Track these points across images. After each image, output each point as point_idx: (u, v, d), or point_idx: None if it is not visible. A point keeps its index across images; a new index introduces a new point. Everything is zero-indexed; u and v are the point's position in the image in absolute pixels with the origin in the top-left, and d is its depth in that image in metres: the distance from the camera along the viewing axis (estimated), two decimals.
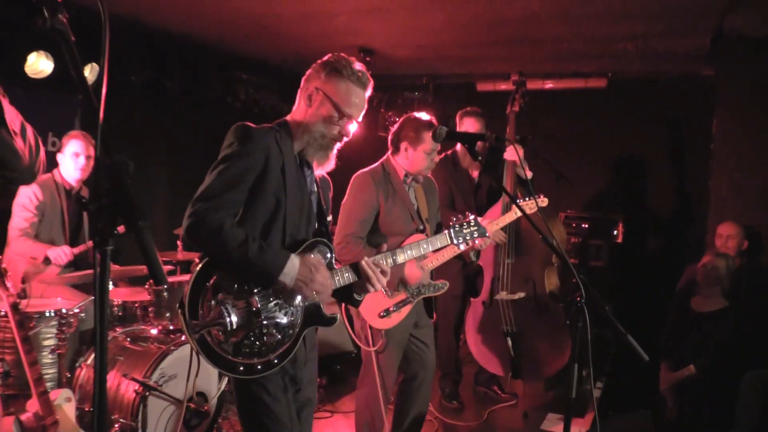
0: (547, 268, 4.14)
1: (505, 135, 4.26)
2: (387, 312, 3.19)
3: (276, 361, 2.09)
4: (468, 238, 2.82)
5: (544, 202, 3.63)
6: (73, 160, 3.90)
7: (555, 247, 2.25)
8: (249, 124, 2.14)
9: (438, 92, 6.34)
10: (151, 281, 3.68)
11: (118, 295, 3.88)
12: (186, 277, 3.96)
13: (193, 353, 2.05)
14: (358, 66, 2.22)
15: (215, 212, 1.98)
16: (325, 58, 2.24)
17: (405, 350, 3.34)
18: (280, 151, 2.14)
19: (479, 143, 4.20)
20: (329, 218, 2.41)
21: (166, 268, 4.15)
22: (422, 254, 2.69)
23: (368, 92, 2.24)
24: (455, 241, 2.80)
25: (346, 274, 2.24)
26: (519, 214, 3.52)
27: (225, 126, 2.20)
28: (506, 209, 3.94)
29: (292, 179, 2.16)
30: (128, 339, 3.52)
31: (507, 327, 4.14)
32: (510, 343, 4.14)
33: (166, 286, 3.70)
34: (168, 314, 3.73)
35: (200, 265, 2.02)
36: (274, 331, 2.08)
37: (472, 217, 2.87)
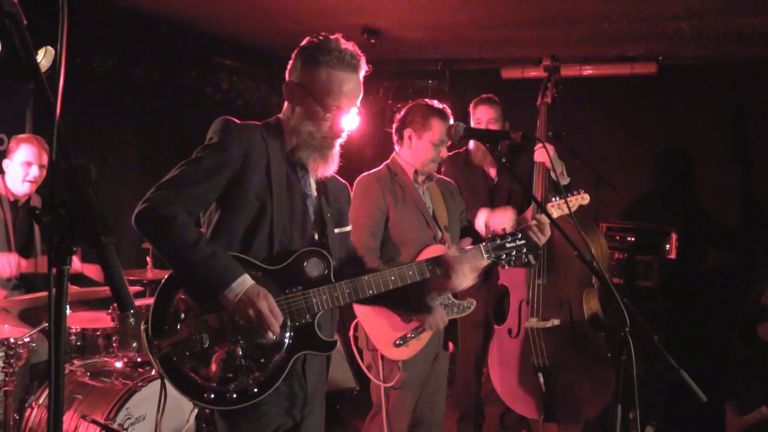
0: (586, 290, 4.12)
1: (536, 130, 4.26)
2: (404, 339, 3.18)
3: (255, 390, 2.09)
4: (514, 255, 2.53)
5: (584, 198, 3.58)
6: (23, 169, 3.90)
7: (592, 265, 2.25)
8: (231, 118, 2.20)
9: (456, 80, 6.35)
10: (115, 305, 3.70)
11: (76, 321, 3.91)
12: None
13: (162, 381, 2.08)
14: (342, 45, 2.21)
15: (171, 204, 2.02)
16: (303, 43, 2.27)
17: None
18: (266, 149, 2.18)
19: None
20: (348, 228, 2.43)
21: (134, 289, 4.17)
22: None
23: (360, 73, 2.25)
24: (493, 258, 2.51)
25: (411, 271, 2.28)
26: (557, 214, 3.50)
27: (204, 121, 2.26)
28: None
29: (280, 181, 2.20)
30: (88, 374, 3.53)
31: (538, 360, 4.13)
32: (542, 379, 4.12)
33: (132, 311, 3.72)
34: (135, 344, 3.75)
35: (167, 276, 2.07)
36: (255, 353, 2.09)
37: (520, 228, 2.64)
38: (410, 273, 2.33)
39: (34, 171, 3.91)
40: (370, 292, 2.27)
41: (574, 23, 4.79)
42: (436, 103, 3.35)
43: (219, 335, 2.07)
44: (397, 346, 3.19)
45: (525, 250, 2.55)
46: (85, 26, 4.68)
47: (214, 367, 2.05)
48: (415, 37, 5.49)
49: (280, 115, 2.33)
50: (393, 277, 2.31)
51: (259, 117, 2.35)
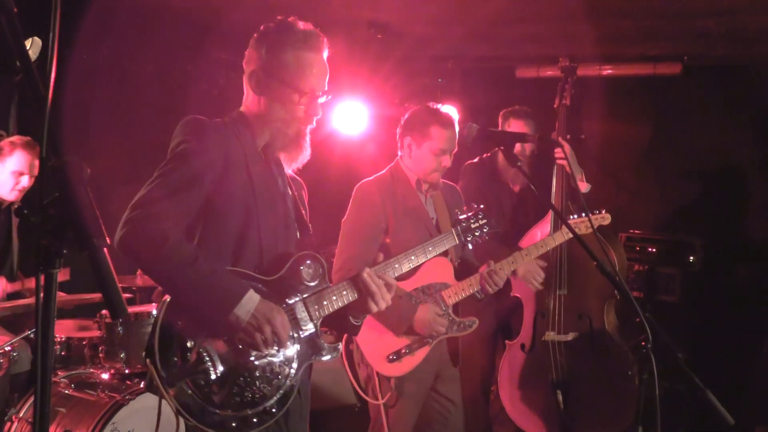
0: (608, 302, 4.12)
1: (553, 133, 4.26)
2: (397, 355, 3.19)
3: (274, 409, 2.10)
4: (477, 234, 2.98)
5: (605, 219, 3.63)
6: (13, 178, 3.92)
7: (612, 277, 2.25)
8: (200, 117, 2.17)
9: (467, 79, 6.35)
10: (102, 312, 3.70)
11: (60, 329, 3.92)
12: (147, 307, 3.99)
13: (163, 410, 2.05)
14: (302, 26, 2.24)
15: (158, 221, 1.97)
16: (261, 29, 2.27)
17: (425, 408, 3.33)
18: (241, 147, 2.17)
19: (518, 145, 4.26)
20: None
21: (123, 296, 4.17)
22: (427, 258, 2.82)
23: (325, 53, 2.26)
24: (463, 239, 2.95)
25: (345, 292, 2.26)
26: (569, 234, 3.51)
27: None
28: (556, 227, 3.93)
29: (261, 180, 2.19)
30: (72, 385, 3.53)
31: (557, 376, 4.11)
32: (561, 396, 4.10)
33: (121, 320, 3.72)
34: (123, 354, 3.74)
35: (167, 302, 2.03)
36: (268, 371, 2.10)
37: (480, 206, 3.03)
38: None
39: (25, 181, 3.94)
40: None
41: (595, 20, 4.79)
42: (439, 108, 3.29)
43: (231, 358, 2.05)
44: (391, 361, 3.19)
45: (486, 229, 2.98)
46: (72, 15, 4.68)
47: (231, 393, 2.03)
48: (423, 33, 5.49)
49: (243, 109, 2.30)
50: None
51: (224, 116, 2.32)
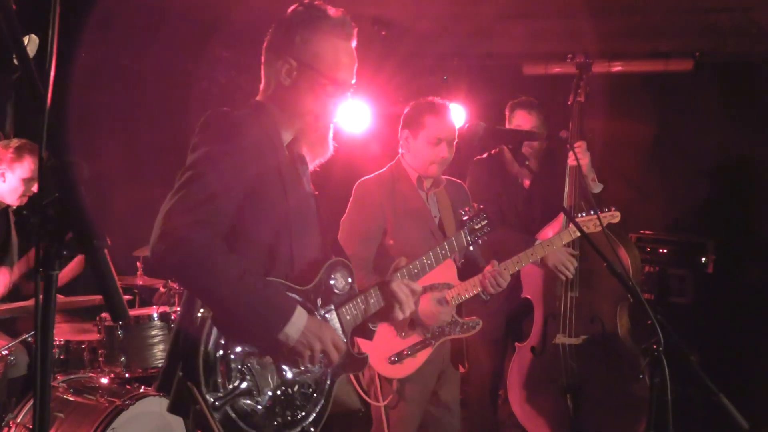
0: (620, 305, 4.10)
1: (568, 131, 4.24)
2: (399, 356, 3.19)
3: (312, 428, 2.07)
4: (479, 235, 2.99)
5: (615, 217, 3.62)
6: (22, 185, 3.90)
7: (623, 278, 2.24)
8: (227, 110, 2.04)
9: (473, 77, 6.35)
10: (102, 315, 3.70)
11: (58, 333, 3.92)
12: (148, 310, 3.99)
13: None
14: (335, 12, 2.14)
15: (200, 230, 1.84)
16: (290, 13, 2.15)
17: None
18: (270, 144, 2.07)
19: (527, 143, 4.26)
20: None
21: (124, 298, 4.16)
22: (441, 262, 2.83)
23: (354, 42, 2.17)
24: (470, 239, 2.97)
25: (372, 301, 2.24)
26: (576, 233, 3.51)
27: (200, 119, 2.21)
28: (567, 225, 3.93)
29: (291, 181, 2.10)
30: (71, 390, 3.53)
31: (567, 380, 4.10)
32: (570, 400, 4.10)
33: (121, 323, 3.72)
34: (123, 359, 3.74)
35: (208, 323, 1.91)
36: (307, 387, 2.07)
37: (480, 206, 3.06)
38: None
39: (35, 188, 3.93)
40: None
41: (604, 16, 4.79)
42: (434, 99, 3.32)
43: (274, 378, 2.01)
44: (392, 363, 3.19)
45: (487, 230, 3.00)
46: (68, 11, 4.67)
47: (275, 414, 1.99)
48: (428, 30, 5.49)
49: (263, 100, 2.16)
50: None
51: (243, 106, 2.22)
